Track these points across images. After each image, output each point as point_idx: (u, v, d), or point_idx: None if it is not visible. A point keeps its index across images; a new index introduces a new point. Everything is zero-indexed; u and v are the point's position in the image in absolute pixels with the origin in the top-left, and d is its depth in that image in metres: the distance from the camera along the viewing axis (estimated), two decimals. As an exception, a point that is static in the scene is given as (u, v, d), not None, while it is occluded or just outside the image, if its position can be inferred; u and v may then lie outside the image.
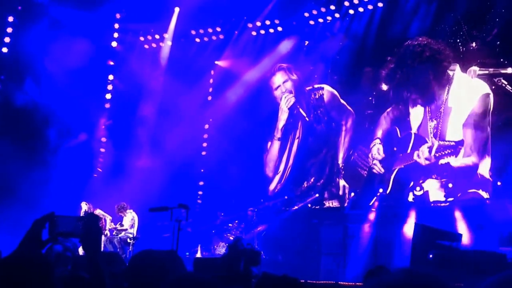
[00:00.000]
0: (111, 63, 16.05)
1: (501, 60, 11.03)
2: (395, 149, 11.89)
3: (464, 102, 10.99)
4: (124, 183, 14.47)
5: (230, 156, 14.76)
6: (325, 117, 13.61)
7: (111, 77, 16.07)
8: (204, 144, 16.14)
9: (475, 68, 10.84)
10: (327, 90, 13.71)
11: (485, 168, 10.82)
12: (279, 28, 14.85)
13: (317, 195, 13.11)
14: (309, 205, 12.99)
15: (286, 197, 13.49)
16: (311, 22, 14.32)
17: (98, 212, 13.69)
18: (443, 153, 10.04)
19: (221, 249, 12.84)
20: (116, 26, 15.96)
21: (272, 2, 14.30)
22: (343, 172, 13.22)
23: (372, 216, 11.31)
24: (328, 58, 13.98)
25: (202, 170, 16.01)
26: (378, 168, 12.09)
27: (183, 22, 15.51)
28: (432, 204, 10.98)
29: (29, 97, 14.08)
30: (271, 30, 14.99)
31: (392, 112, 12.45)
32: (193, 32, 15.80)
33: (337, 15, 13.99)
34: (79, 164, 14.85)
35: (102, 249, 12.99)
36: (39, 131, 14.56)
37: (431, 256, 6.10)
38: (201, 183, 15.91)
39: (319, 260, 11.60)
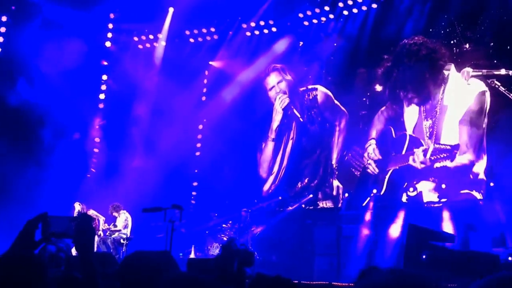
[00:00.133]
0: (105, 63, 16.03)
1: (495, 61, 11.06)
2: (390, 150, 11.90)
3: (461, 100, 11.00)
4: (118, 184, 14.45)
5: (224, 156, 14.76)
6: (319, 117, 13.62)
7: (105, 77, 16.06)
8: (198, 145, 16.13)
9: (468, 70, 10.85)
10: (321, 91, 13.71)
11: (480, 167, 10.84)
12: (274, 29, 14.86)
13: (311, 195, 13.11)
14: (303, 206, 12.98)
15: (280, 198, 13.48)
16: (306, 23, 14.34)
17: (91, 212, 13.67)
18: (439, 156, 10.02)
19: (214, 250, 12.84)
20: (110, 26, 15.94)
21: (266, 3, 14.31)
22: (336, 173, 13.23)
23: (366, 216, 11.32)
24: (323, 59, 14.00)
25: (196, 171, 16.01)
26: (372, 168, 12.08)
27: (177, 22, 15.50)
28: (426, 205, 10.99)
29: (23, 97, 14.04)
30: (266, 31, 15.01)
31: (386, 112, 12.45)
32: (187, 33, 15.79)
33: (331, 16, 14.02)
34: (72, 164, 14.81)
35: (95, 249, 12.97)
36: (33, 131, 14.52)
37: (424, 256, 6.12)
38: (195, 183, 15.90)
39: (312, 260, 11.60)
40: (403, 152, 11.42)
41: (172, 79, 15.21)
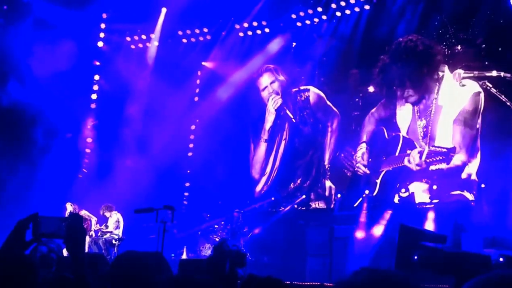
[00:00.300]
0: (97, 63, 15.98)
1: (486, 63, 11.10)
2: (382, 151, 11.92)
3: (455, 100, 11.03)
4: (110, 184, 14.41)
5: (216, 157, 14.74)
6: (311, 118, 13.63)
7: (97, 77, 16.00)
8: (191, 145, 16.10)
9: (460, 71, 10.90)
10: (313, 92, 13.73)
11: (473, 168, 10.88)
12: (267, 30, 14.85)
13: (303, 196, 13.11)
14: (296, 206, 12.99)
15: (272, 199, 13.48)
16: (299, 24, 14.34)
17: (83, 213, 13.62)
18: (434, 159, 10.04)
19: (206, 251, 12.81)
20: (103, 26, 15.89)
21: (259, 4, 14.30)
22: (329, 173, 13.25)
23: (358, 217, 11.33)
24: (315, 59, 14.01)
25: (188, 171, 15.98)
26: (362, 171, 12.12)
27: (170, 23, 15.47)
28: (418, 206, 11.02)
29: (14, 97, 13.98)
30: (259, 32, 15.00)
31: (377, 113, 12.47)
32: (180, 33, 15.76)
33: (324, 17, 14.02)
34: (64, 165, 14.76)
35: (86, 250, 12.92)
36: (25, 132, 14.45)
37: (415, 257, 6.12)
38: (187, 184, 15.87)
39: (305, 261, 11.60)
40: (397, 153, 11.45)
41: (165, 80, 15.18)
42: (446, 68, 11.32)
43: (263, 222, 12.72)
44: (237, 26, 15.06)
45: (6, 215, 11.48)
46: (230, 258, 4.97)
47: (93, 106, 15.98)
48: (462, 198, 10.73)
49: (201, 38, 15.73)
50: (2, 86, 14.00)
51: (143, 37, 16.13)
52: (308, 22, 14.26)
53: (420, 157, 10.32)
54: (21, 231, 3.07)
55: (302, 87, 13.82)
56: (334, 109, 13.49)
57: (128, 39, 16.21)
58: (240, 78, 14.81)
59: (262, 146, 14.02)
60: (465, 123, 10.83)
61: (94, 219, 13.83)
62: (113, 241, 13.39)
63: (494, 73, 10.38)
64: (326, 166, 13.31)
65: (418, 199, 11.20)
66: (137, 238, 13.58)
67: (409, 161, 10.73)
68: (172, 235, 12.21)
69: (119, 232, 13.71)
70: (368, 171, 12.02)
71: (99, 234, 13.58)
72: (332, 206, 12.79)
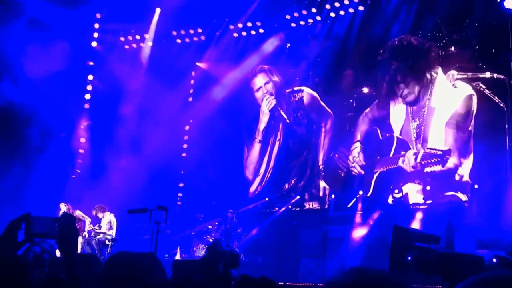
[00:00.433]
0: (91, 63, 15.94)
1: (479, 64, 11.14)
2: (376, 152, 11.93)
3: (448, 102, 11.07)
4: (103, 184, 14.38)
5: (210, 157, 14.73)
6: (305, 119, 13.64)
7: (90, 77, 15.97)
8: (185, 146, 16.08)
9: (453, 72, 10.93)
10: (307, 93, 13.74)
11: (466, 169, 10.91)
12: (261, 30, 14.85)
13: (298, 197, 13.11)
14: (289, 206, 13.00)
15: (267, 199, 13.47)
16: (293, 25, 14.34)
17: (78, 213, 13.60)
18: (429, 161, 10.06)
19: (200, 251, 12.80)
20: (96, 26, 15.86)
21: (254, 4, 14.29)
22: (323, 174, 13.25)
23: (352, 218, 11.34)
24: (309, 60, 14.01)
25: (182, 172, 15.95)
26: (357, 170, 12.14)
27: (164, 23, 15.44)
28: (411, 206, 11.04)
29: (8, 97, 13.93)
30: (253, 32, 14.99)
31: (371, 113, 12.50)
32: (174, 33, 15.73)
33: (318, 18, 14.03)
34: (58, 165, 14.72)
35: (80, 250, 12.90)
36: (19, 132, 14.42)
37: (409, 258, 6.13)
38: (181, 184, 15.85)
39: (298, 262, 11.60)
40: (391, 155, 11.47)
41: (159, 80, 15.15)
42: (439, 70, 11.35)
43: (257, 223, 12.71)
44: (232, 27, 15.06)
45: (0, 214, 11.44)
46: (224, 259, 4.97)
47: (86, 106, 15.94)
48: (455, 199, 10.76)
49: (195, 39, 15.71)
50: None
51: (137, 37, 16.10)
52: (302, 23, 14.27)
53: (415, 159, 10.34)
54: (13, 232, 3.06)
55: (296, 88, 13.82)
56: (328, 109, 13.50)
57: (122, 39, 16.17)
58: (234, 78, 14.81)
59: (256, 147, 14.02)
60: (457, 127, 10.86)
61: (88, 220, 13.80)
62: (106, 242, 13.36)
63: (487, 75, 10.41)
64: (320, 167, 13.32)
65: (411, 200, 11.23)
66: (131, 239, 13.55)
67: (403, 162, 10.75)
68: (166, 236, 12.19)
69: (113, 232, 13.68)
70: (362, 172, 12.04)
71: (92, 235, 13.54)
72: (326, 206, 12.79)
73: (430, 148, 10.18)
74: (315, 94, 13.70)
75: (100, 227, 13.73)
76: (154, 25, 15.62)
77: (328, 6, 13.76)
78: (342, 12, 13.70)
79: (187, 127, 16.12)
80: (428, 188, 10.98)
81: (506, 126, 9.96)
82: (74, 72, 14.93)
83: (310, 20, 14.17)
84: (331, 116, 13.48)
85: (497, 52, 11.16)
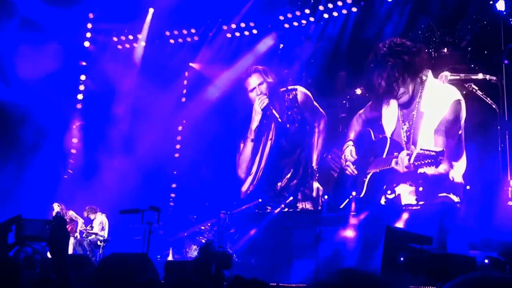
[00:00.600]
0: (84, 63, 15.89)
1: (472, 66, 11.18)
2: (369, 153, 11.95)
3: (436, 108, 11.11)
4: (96, 185, 14.34)
5: (203, 158, 14.71)
6: (299, 116, 13.68)
7: (83, 77, 15.92)
8: (177, 146, 16.05)
9: (446, 73, 10.97)
10: (301, 91, 13.78)
11: (458, 172, 10.94)
12: (254, 31, 14.85)
13: (291, 197, 13.13)
14: (282, 206, 13.01)
15: (260, 200, 13.47)
16: (286, 26, 14.35)
17: (71, 213, 13.55)
18: (423, 162, 10.08)
19: (193, 252, 12.78)
20: (89, 26, 15.81)
21: (247, 5, 14.29)
22: (317, 175, 13.27)
23: (345, 218, 11.35)
24: (303, 61, 14.03)
25: (175, 172, 15.92)
26: (351, 170, 12.15)
27: (157, 23, 15.42)
28: (404, 207, 11.06)
29: (0, 98, 13.88)
30: (246, 33, 14.99)
31: (365, 114, 12.52)
32: (168, 33, 15.71)
33: (311, 19, 14.04)
34: (50, 165, 14.67)
35: (71, 251, 12.86)
36: (12, 132, 14.37)
37: (402, 258, 6.14)
38: (173, 185, 15.82)
39: (291, 263, 11.59)
40: (384, 155, 11.49)
41: (152, 80, 15.12)
42: (429, 73, 11.39)
43: (250, 224, 12.70)
44: (225, 27, 15.05)
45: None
46: (216, 259, 4.96)
47: (79, 106, 15.89)
48: (447, 200, 10.79)
49: (188, 39, 15.70)
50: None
51: (130, 37, 16.06)
52: (295, 23, 14.28)
53: (409, 159, 10.36)
54: (3, 234, 3.04)
55: (290, 87, 13.86)
56: (321, 110, 13.53)
57: (115, 39, 16.13)
58: (227, 79, 14.81)
59: (249, 146, 14.03)
60: (446, 133, 10.90)
61: (80, 221, 13.76)
62: (98, 243, 13.32)
63: (480, 76, 10.45)
64: (314, 167, 13.34)
65: (404, 201, 11.25)
66: (123, 240, 13.51)
67: (396, 163, 10.76)
68: (158, 237, 12.16)
69: (104, 233, 13.64)
70: (355, 171, 12.05)
71: (83, 236, 13.49)
72: (319, 207, 12.80)
73: (424, 149, 10.20)
74: (309, 94, 13.73)
75: (92, 227, 13.68)
76: (147, 25, 15.59)
77: (321, 7, 13.78)
78: (335, 13, 13.72)
79: (180, 128, 16.10)
80: (420, 189, 11.01)
81: (498, 127, 10.00)
82: (67, 72, 14.88)
83: (304, 21, 14.19)
84: (324, 117, 13.51)
85: (489, 53, 11.21)
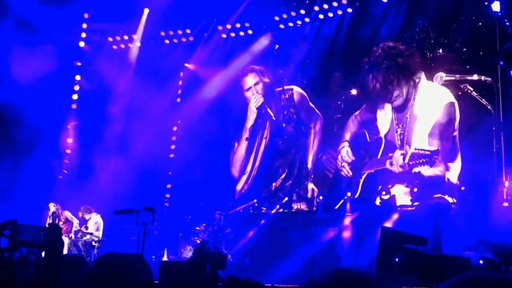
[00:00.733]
0: (79, 63, 15.85)
1: (467, 66, 11.19)
2: (363, 153, 11.96)
3: (429, 110, 11.13)
4: (90, 185, 14.31)
5: (198, 159, 14.69)
6: (294, 116, 13.69)
7: (78, 77, 15.88)
8: (172, 147, 16.03)
9: (441, 74, 10.96)
10: (297, 91, 13.80)
11: (454, 173, 10.96)
12: (249, 31, 14.85)
13: (286, 198, 13.13)
14: (278, 206, 13.02)
15: (255, 200, 13.46)
16: (281, 26, 14.35)
17: (66, 214, 13.52)
18: (417, 161, 10.09)
19: (188, 253, 12.75)
20: (84, 26, 15.78)
21: (242, 5, 14.29)
22: (312, 176, 13.28)
23: (340, 219, 11.35)
24: (298, 62, 14.03)
25: (170, 173, 15.90)
26: (346, 171, 12.16)
27: (152, 23, 15.41)
28: (399, 208, 11.07)
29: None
30: (241, 33, 14.99)
31: (360, 116, 12.54)
32: (163, 34, 15.70)
33: (307, 19, 14.05)
34: (45, 165, 14.64)
35: (66, 252, 12.82)
36: (6, 132, 14.33)
37: (397, 259, 6.15)
38: (168, 185, 15.80)
39: (286, 264, 11.58)
40: (379, 156, 11.50)
41: (147, 81, 15.10)
42: (422, 75, 11.41)
43: (245, 225, 12.70)
44: (220, 28, 15.05)
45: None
46: (211, 260, 4.95)
47: (74, 106, 15.85)
48: (443, 201, 10.80)
49: (183, 39, 15.69)
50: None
51: (125, 37, 16.05)
52: (291, 24, 14.29)
53: (404, 159, 10.38)
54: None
55: (286, 87, 13.88)
56: (317, 111, 13.54)
57: (110, 39, 16.11)
58: (222, 79, 14.80)
59: (243, 144, 14.04)
60: (441, 136, 10.91)
61: (76, 221, 13.72)
62: (93, 243, 13.29)
63: (475, 77, 10.45)
64: (309, 169, 13.35)
65: (399, 202, 11.26)
66: (118, 240, 13.48)
67: (391, 163, 10.77)
68: (153, 237, 12.14)
69: (99, 234, 13.61)
70: (350, 172, 12.06)
71: (78, 236, 13.45)
72: (314, 208, 12.81)
73: (418, 149, 10.22)
74: (305, 94, 13.76)
75: (87, 228, 13.64)
76: (142, 25, 15.58)
77: (316, 8, 13.79)
78: (330, 14, 13.73)
79: (175, 128, 16.08)
80: (415, 190, 11.02)
81: (493, 128, 10.00)
82: (62, 72, 14.85)
83: (299, 22, 14.20)
84: (320, 118, 13.52)
85: (484, 54, 11.22)
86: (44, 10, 14.08)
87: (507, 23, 10.15)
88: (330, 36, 13.72)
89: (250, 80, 13.67)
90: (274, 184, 13.64)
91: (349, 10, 13.46)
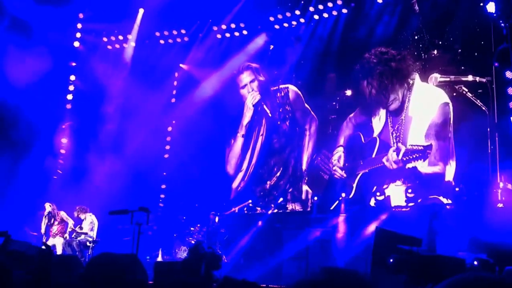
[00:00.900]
0: (73, 63, 15.82)
1: (462, 68, 11.22)
2: (359, 156, 11.98)
3: (424, 111, 11.17)
4: (85, 186, 14.27)
5: (193, 159, 14.67)
6: (290, 113, 13.72)
7: (73, 77, 15.84)
8: (167, 147, 16.00)
9: (436, 75, 11.00)
10: (292, 90, 13.85)
11: (449, 174, 10.99)
12: (244, 32, 14.84)
13: (281, 199, 13.15)
14: (272, 206, 13.03)
15: (250, 201, 13.46)
16: (276, 27, 14.35)
17: (62, 214, 13.48)
18: (411, 157, 10.15)
19: (182, 253, 12.74)
20: (79, 26, 15.74)
21: (237, 6, 14.28)
22: (306, 178, 13.29)
23: (334, 220, 11.36)
24: (293, 62, 14.03)
25: (164, 173, 15.87)
26: (339, 174, 12.19)
27: (147, 24, 15.39)
28: (393, 209, 11.09)
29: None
30: (236, 34, 14.98)
31: (355, 118, 12.57)
32: (158, 34, 15.68)
33: (302, 20, 14.05)
34: (40, 165, 14.60)
35: (60, 252, 12.80)
36: (3, 131, 14.29)
37: (391, 260, 6.15)
38: (163, 186, 15.77)
39: (281, 264, 11.59)
40: (373, 155, 11.54)
41: (142, 81, 15.07)
42: (416, 76, 11.44)
43: (240, 225, 12.71)
44: (215, 28, 15.04)
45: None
46: (206, 260, 4.95)
47: (68, 106, 15.81)
48: (437, 202, 10.83)
49: (178, 40, 15.68)
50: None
51: (120, 37, 16.02)
52: (286, 25, 14.29)
53: (397, 155, 10.43)
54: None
55: (281, 86, 13.92)
56: (312, 113, 13.55)
57: (105, 39, 16.08)
58: (217, 79, 14.80)
59: (239, 141, 14.06)
60: (437, 136, 10.95)
61: (71, 222, 13.68)
62: (88, 243, 13.24)
63: (470, 78, 10.49)
64: (304, 170, 13.36)
65: (393, 203, 11.28)
66: (112, 240, 13.45)
67: (387, 159, 10.82)
68: (148, 238, 12.12)
69: (94, 234, 13.57)
70: (344, 175, 12.08)
71: (73, 236, 13.41)
72: (308, 209, 12.82)
73: (412, 145, 10.29)
74: (300, 93, 13.79)
75: (81, 228, 13.60)
76: (137, 25, 15.56)
77: (311, 9, 13.79)
78: (325, 15, 13.73)
79: (169, 128, 16.05)
80: (410, 191, 11.04)
81: (488, 129, 10.04)
82: (56, 72, 14.80)
83: (294, 22, 14.20)
84: (315, 120, 13.53)
85: (479, 55, 11.24)
86: (39, 10, 14.03)
87: (502, 24, 10.18)
88: (325, 36, 13.72)
89: (245, 77, 13.71)
90: (269, 182, 13.65)
91: (344, 11, 13.47)
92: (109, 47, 16.25)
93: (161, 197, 15.64)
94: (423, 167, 10.60)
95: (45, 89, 14.37)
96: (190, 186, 14.46)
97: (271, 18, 14.26)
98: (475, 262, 6.74)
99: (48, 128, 15.15)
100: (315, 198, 12.66)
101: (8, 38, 13.84)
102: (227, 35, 15.11)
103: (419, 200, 10.96)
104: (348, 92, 12.95)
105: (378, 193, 11.43)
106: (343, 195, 11.84)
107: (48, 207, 13.38)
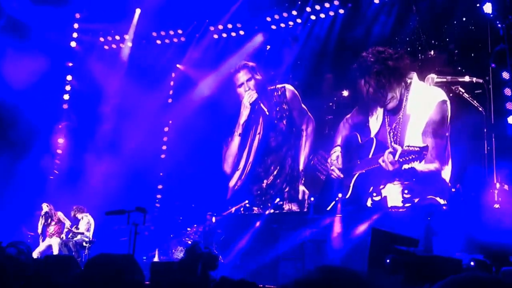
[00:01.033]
0: (70, 64, 15.79)
1: (459, 68, 11.23)
2: (356, 156, 11.99)
3: (422, 109, 11.17)
4: (81, 186, 14.24)
5: (189, 159, 14.66)
6: (287, 112, 13.73)
7: (69, 77, 15.81)
8: (164, 147, 16.00)
9: (433, 76, 11.02)
10: (289, 89, 13.87)
11: (446, 174, 11.00)
12: (241, 32, 14.84)
13: (278, 199, 13.14)
14: (269, 204, 13.04)
15: (246, 201, 13.45)
16: (273, 27, 14.35)
17: (59, 215, 13.46)
18: (407, 158, 10.16)
19: (179, 253, 12.74)
20: (76, 26, 15.71)
21: (234, 6, 14.27)
22: (303, 179, 13.29)
23: (333, 220, 11.37)
24: (289, 63, 14.04)
25: (161, 174, 15.86)
26: (336, 174, 12.19)
27: (144, 24, 15.36)
28: (390, 209, 11.10)
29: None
30: (233, 34, 14.98)
31: (352, 119, 12.57)
32: (154, 34, 15.66)
33: (299, 20, 14.05)
34: (37, 166, 14.57)
35: (57, 252, 12.78)
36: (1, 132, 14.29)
37: (388, 261, 6.16)
38: (160, 186, 15.76)
39: (277, 264, 11.60)
40: (370, 156, 11.54)
41: (138, 81, 15.05)
42: (414, 75, 11.45)
43: (237, 226, 12.70)
44: (212, 28, 15.03)
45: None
46: (202, 260, 4.95)
47: (65, 106, 15.78)
48: (434, 202, 10.84)
49: (175, 40, 15.66)
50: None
51: (117, 37, 15.99)
52: (283, 25, 14.28)
53: (394, 156, 10.44)
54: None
55: (278, 86, 13.94)
56: (309, 114, 13.56)
57: (102, 39, 16.05)
58: (214, 79, 14.79)
59: (236, 140, 14.07)
60: (434, 134, 10.96)
61: (68, 223, 13.65)
62: (84, 244, 13.22)
63: (466, 78, 10.51)
64: (300, 171, 13.37)
65: (390, 203, 11.29)
66: (109, 240, 13.43)
67: (383, 160, 10.83)
68: (144, 238, 12.11)
69: (90, 234, 13.55)
70: (342, 175, 12.09)
71: (69, 236, 13.39)
72: (305, 209, 12.83)
73: (408, 146, 10.30)
74: (297, 93, 13.81)
75: (77, 228, 13.58)
76: (134, 25, 15.53)
77: (308, 9, 13.79)
78: (322, 15, 13.73)
79: (166, 129, 16.05)
80: (406, 191, 11.05)
81: (485, 130, 10.05)
82: (53, 73, 14.77)
83: (291, 23, 14.19)
84: (312, 121, 13.53)
85: (476, 56, 11.25)
86: (36, 10, 14.00)
87: (499, 25, 10.19)
88: (322, 37, 13.72)
89: (242, 76, 13.72)
90: (265, 181, 13.65)
91: (341, 11, 13.46)
92: (106, 47, 16.22)
93: (157, 197, 15.64)
94: (420, 164, 10.61)
95: (42, 89, 14.33)
96: (186, 187, 14.46)
97: (268, 19, 14.25)
98: (472, 263, 6.75)
99: (45, 128, 15.12)
100: (312, 198, 12.66)
101: (5, 38, 13.81)
102: (224, 35, 15.11)
103: (415, 201, 10.97)
104: (345, 93, 12.96)
105: (374, 194, 11.45)
106: (340, 195, 11.84)
107: (45, 207, 13.36)
